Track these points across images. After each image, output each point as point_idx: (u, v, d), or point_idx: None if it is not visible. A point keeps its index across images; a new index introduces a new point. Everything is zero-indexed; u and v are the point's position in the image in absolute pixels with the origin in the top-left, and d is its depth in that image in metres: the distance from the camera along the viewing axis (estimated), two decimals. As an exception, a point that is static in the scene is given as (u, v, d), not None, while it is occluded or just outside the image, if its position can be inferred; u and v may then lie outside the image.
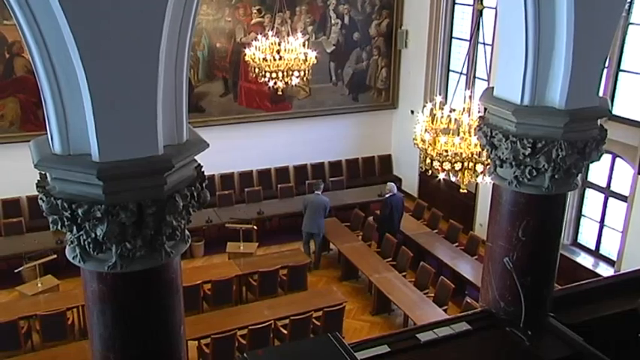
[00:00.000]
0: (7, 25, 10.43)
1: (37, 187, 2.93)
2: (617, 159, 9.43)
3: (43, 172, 2.93)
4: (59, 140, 2.78)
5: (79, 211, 2.78)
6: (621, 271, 8.87)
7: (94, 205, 2.76)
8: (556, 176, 4.05)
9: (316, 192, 10.99)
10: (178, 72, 2.87)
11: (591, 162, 4.28)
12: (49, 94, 2.69)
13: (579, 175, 4.24)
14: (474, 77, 10.79)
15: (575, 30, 3.67)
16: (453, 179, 7.08)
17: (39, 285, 9.19)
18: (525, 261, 4.27)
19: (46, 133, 2.88)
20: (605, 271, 9.64)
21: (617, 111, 9.07)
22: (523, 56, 3.85)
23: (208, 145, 3.10)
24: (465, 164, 6.66)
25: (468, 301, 8.50)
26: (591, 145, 4.07)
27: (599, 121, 4.16)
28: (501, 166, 4.21)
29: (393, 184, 11.39)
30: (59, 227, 2.91)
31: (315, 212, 10.72)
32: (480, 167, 6.66)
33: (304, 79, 9.96)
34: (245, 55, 10.07)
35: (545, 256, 4.37)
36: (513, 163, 4.08)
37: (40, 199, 2.90)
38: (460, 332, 4.34)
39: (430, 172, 6.92)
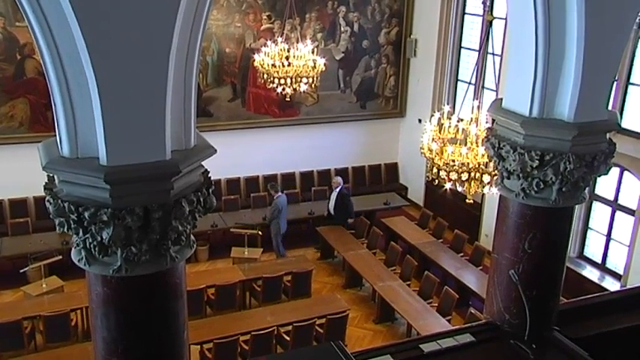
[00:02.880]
0: (19, 27, 10.53)
1: (45, 189, 2.94)
2: (625, 172, 9.38)
3: (51, 175, 2.94)
4: (68, 143, 2.79)
5: (86, 214, 2.78)
6: (628, 286, 8.81)
7: (100, 209, 2.77)
8: (563, 189, 4.03)
9: (280, 193, 11.19)
10: (188, 76, 2.87)
11: (599, 175, 4.26)
12: (59, 96, 2.70)
13: (587, 188, 4.21)
14: (483, 87, 10.79)
15: (586, 43, 3.66)
16: (460, 189, 7.06)
17: (43, 285, 9.24)
18: (531, 274, 4.24)
19: (55, 135, 2.89)
20: (611, 284, 9.58)
21: (626, 124, 9.03)
22: (532, 68, 3.84)
23: (216, 150, 3.10)
24: (472, 174, 6.65)
25: (472, 312, 8.46)
26: (599, 159, 4.04)
27: (607, 135, 4.14)
28: (508, 178, 4.19)
29: (339, 177, 12.00)
30: (65, 230, 2.91)
31: (285, 211, 11.15)
32: (486, 178, 6.65)
33: (312, 85, 9.99)
34: (254, 60, 10.12)
35: (551, 269, 4.34)
36: (521, 175, 4.06)
37: (48, 201, 2.91)
38: (464, 344, 4.31)
39: (437, 181, 6.91)
